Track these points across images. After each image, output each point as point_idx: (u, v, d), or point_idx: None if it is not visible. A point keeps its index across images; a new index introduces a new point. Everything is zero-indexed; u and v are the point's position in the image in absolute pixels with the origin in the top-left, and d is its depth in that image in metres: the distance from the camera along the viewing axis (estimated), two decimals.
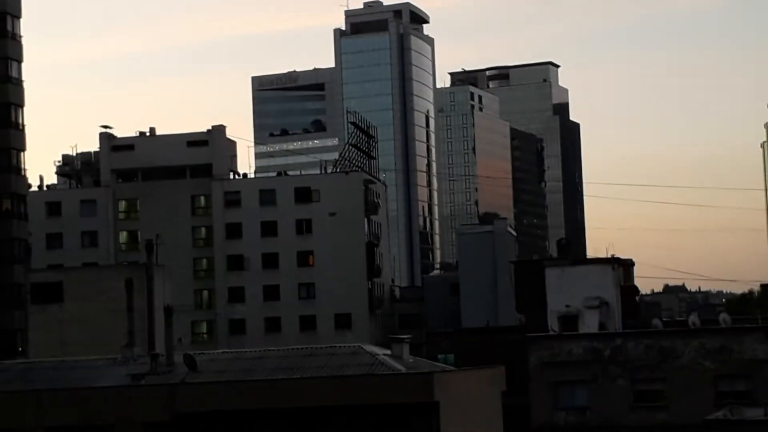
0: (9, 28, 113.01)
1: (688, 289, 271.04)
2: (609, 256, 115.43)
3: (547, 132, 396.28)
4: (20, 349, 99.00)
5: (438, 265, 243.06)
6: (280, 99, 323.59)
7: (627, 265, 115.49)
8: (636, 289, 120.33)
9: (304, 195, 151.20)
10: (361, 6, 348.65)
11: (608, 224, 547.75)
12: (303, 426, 54.57)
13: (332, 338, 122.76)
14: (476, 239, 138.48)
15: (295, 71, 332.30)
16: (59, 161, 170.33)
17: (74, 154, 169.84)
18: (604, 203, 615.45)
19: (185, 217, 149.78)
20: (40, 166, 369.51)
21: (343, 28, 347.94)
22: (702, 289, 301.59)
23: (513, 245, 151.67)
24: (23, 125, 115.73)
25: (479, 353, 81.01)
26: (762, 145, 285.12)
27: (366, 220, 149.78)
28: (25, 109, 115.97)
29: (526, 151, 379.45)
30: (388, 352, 67.18)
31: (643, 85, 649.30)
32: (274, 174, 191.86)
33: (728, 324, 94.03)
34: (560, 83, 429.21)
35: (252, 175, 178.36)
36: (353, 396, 55.58)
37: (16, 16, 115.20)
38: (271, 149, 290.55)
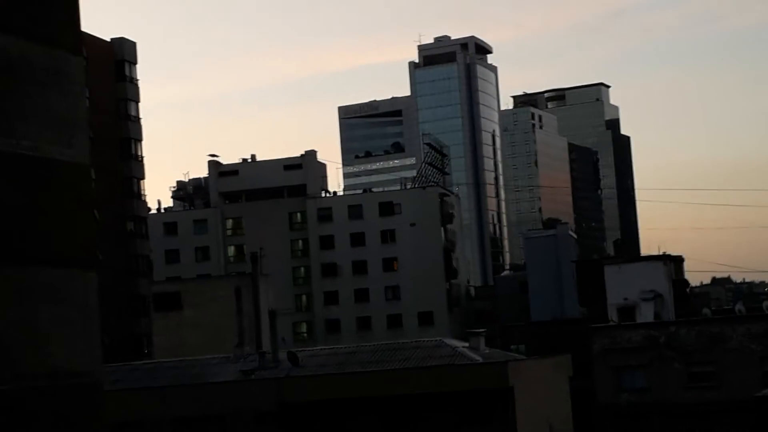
0: (127, 73, 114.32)
1: (734, 280, 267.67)
2: (660, 253, 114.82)
3: (601, 145, 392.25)
4: (146, 351, 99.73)
5: (508, 267, 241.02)
6: (363, 125, 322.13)
7: (677, 261, 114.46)
8: (686, 282, 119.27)
9: (387, 209, 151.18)
10: (432, 41, 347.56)
11: (659, 225, 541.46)
12: (393, 412, 54.92)
13: (416, 334, 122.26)
14: (541, 242, 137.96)
15: (375, 100, 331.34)
16: (174, 187, 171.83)
17: (186, 180, 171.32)
18: (655, 207, 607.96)
19: (284, 232, 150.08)
20: (157, 191, 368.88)
21: (417, 60, 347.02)
22: (746, 281, 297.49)
23: (574, 247, 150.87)
24: (142, 156, 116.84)
25: (547, 343, 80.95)
26: None
27: (442, 228, 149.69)
28: (143, 142, 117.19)
29: (582, 163, 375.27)
30: (467, 344, 67.47)
31: (685, 100, 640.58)
32: (361, 191, 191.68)
33: None
34: (611, 101, 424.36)
35: (341, 193, 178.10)
36: (436, 384, 55.94)
37: (133, 62, 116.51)
38: (357, 170, 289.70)
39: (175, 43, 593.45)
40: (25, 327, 15.94)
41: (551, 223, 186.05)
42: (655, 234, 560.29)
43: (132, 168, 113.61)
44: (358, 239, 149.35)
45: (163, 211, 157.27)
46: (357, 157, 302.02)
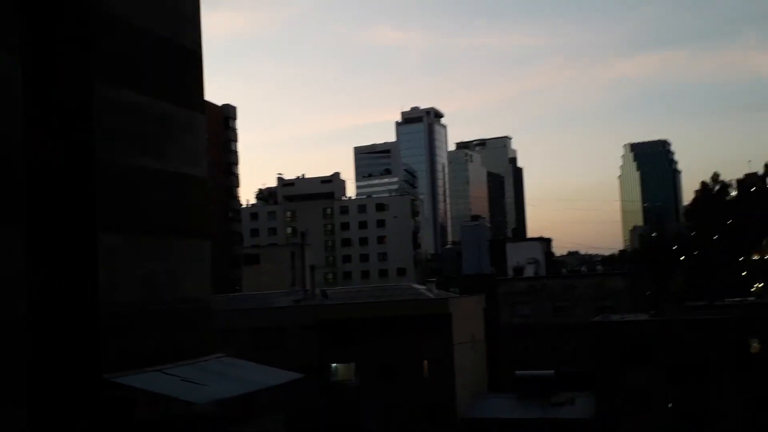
0: (230, 125, 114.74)
1: (581, 253, 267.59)
2: (538, 237, 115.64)
3: (506, 173, 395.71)
4: (237, 288, 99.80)
5: (450, 243, 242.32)
6: (368, 158, 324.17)
7: (548, 241, 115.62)
8: (552, 254, 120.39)
9: (381, 207, 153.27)
10: (409, 109, 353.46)
11: (538, 219, 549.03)
12: (381, 327, 55.01)
13: (396, 281, 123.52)
14: (469, 229, 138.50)
15: (375, 144, 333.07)
16: (257, 192, 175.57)
17: (264, 188, 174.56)
18: (536, 210, 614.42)
19: (320, 220, 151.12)
20: (247, 195, 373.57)
21: (400, 120, 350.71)
22: (589, 253, 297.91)
23: (488, 232, 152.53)
24: (238, 174, 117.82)
25: (471, 288, 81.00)
26: None
27: (412, 219, 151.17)
28: (238, 165, 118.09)
29: (495, 183, 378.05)
30: (425, 287, 67.60)
31: (558, 146, 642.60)
32: (365, 197, 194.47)
33: (601, 271, 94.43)
34: (513, 146, 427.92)
35: (354, 198, 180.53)
36: (407, 310, 56.12)
37: (234, 118, 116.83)
38: (363, 184, 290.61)
39: (257, 104, 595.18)
40: (172, 272, 16.19)
41: (475, 218, 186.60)
42: (535, 225, 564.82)
43: (232, 181, 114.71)
44: (363, 225, 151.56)
45: (249, 206, 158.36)
46: (363, 176, 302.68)
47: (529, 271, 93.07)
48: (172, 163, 25.43)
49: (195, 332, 25.01)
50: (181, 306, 25.12)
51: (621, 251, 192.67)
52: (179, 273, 24.83)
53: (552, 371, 60.34)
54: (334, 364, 56.26)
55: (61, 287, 22.84)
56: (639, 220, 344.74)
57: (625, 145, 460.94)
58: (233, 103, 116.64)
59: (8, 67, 20.75)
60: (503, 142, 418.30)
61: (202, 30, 29.36)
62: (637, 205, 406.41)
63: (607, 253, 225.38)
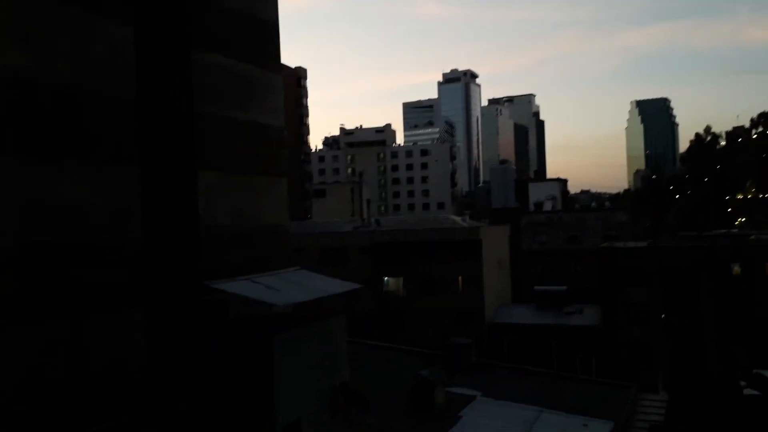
0: (302, 84, 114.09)
1: (592, 191, 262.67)
2: (556, 177, 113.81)
3: (530, 124, 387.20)
4: (309, 216, 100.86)
5: (482, 182, 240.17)
6: (414, 112, 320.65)
7: (564, 181, 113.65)
8: (567, 192, 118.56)
9: (425, 152, 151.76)
10: (449, 70, 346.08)
11: (557, 162, 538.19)
12: (423, 250, 55.30)
13: (436, 213, 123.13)
14: (498, 170, 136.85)
15: (420, 100, 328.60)
16: (323, 139, 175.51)
17: (329, 136, 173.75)
18: (555, 154, 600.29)
19: (374, 162, 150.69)
20: (316, 141, 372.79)
21: (441, 80, 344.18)
22: (599, 192, 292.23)
23: (514, 173, 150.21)
24: (308, 125, 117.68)
25: (499, 219, 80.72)
26: None
27: (450, 162, 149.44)
28: (309, 117, 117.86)
29: (520, 133, 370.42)
30: (460, 218, 67.52)
31: (572, 101, 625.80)
32: (412, 144, 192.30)
33: (608, 206, 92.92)
34: (536, 102, 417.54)
35: (402, 144, 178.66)
36: (445, 236, 56.23)
37: (304, 78, 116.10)
38: (410, 134, 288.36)
39: (324, 66, 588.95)
40: (255, 203, 16.51)
41: (503, 162, 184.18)
42: (553, 168, 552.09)
43: (303, 130, 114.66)
44: (410, 167, 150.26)
45: (318, 151, 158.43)
46: (410, 127, 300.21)
47: (547, 207, 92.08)
48: (254, 115, 25.66)
49: (275, 251, 25.58)
50: (264, 230, 25.67)
51: (625, 191, 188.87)
52: (261, 203, 25.30)
53: (564, 287, 60.31)
54: (385, 278, 56.96)
55: (170, 215, 23.52)
56: (641, 165, 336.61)
57: (631, 101, 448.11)
58: (304, 66, 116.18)
59: (125, 36, 21.06)
60: (528, 98, 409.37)
61: (278, 4, 29.19)
62: (641, 152, 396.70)
63: (614, 192, 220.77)
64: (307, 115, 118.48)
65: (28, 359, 17.39)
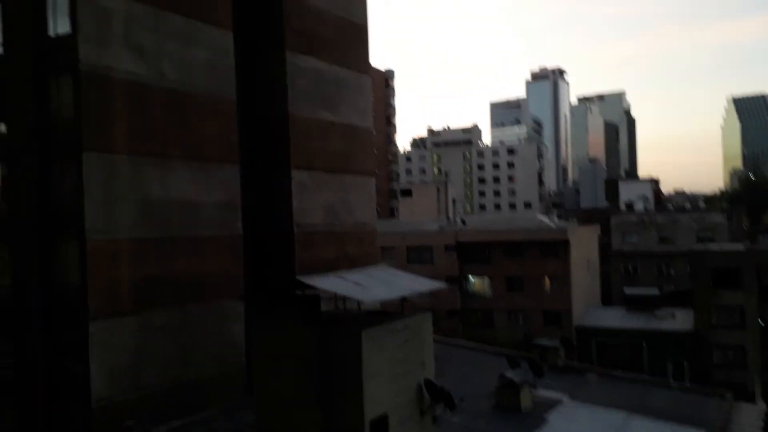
0: (390, 85, 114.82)
1: (686, 192, 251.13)
2: (648, 177, 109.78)
3: (620, 121, 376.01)
4: (395, 215, 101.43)
5: (571, 181, 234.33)
6: (501, 110, 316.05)
7: (656, 182, 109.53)
8: (660, 192, 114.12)
9: (511, 151, 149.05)
10: (537, 69, 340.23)
11: (649, 161, 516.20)
12: (511, 249, 54.62)
13: (523, 213, 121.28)
14: (587, 169, 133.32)
15: (509, 100, 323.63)
16: (411, 140, 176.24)
17: (417, 138, 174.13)
18: (646, 153, 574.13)
19: (460, 162, 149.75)
20: (403, 141, 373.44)
21: (529, 79, 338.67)
22: (693, 192, 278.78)
23: (604, 172, 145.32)
24: (395, 124, 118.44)
25: (588, 219, 78.58)
26: None
27: (538, 161, 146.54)
28: (396, 117, 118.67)
29: (610, 131, 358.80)
30: (547, 218, 66.26)
31: (663, 100, 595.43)
32: (499, 142, 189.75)
33: (703, 208, 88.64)
34: (627, 99, 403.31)
35: (489, 144, 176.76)
36: (532, 236, 55.36)
37: (392, 79, 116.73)
38: (498, 132, 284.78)
39: (414, 65, 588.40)
40: (345, 201, 17.08)
41: (593, 161, 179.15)
42: (645, 167, 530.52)
43: (391, 130, 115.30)
44: (496, 166, 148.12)
45: (405, 151, 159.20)
46: (497, 126, 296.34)
47: (639, 207, 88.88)
48: (345, 116, 26.27)
49: (363, 247, 26.14)
50: (352, 227, 26.27)
51: (721, 191, 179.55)
52: (351, 202, 25.91)
53: (656, 290, 58.10)
54: (471, 277, 56.70)
55: (267, 211, 24.45)
56: (738, 165, 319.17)
57: (728, 98, 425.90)
58: (392, 66, 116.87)
59: (225, 42, 22.11)
60: (619, 96, 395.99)
61: (368, 8, 29.70)
62: (737, 151, 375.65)
63: (708, 192, 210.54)
64: (394, 116, 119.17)
65: (140, 343, 18.65)
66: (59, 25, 18.52)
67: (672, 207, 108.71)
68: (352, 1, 28.32)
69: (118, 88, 18.80)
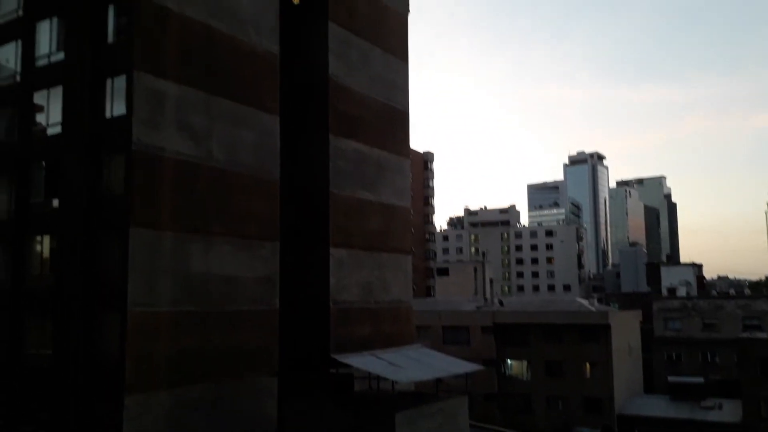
0: (429, 167, 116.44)
1: (730, 277, 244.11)
2: (690, 262, 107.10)
3: (661, 206, 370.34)
4: (432, 294, 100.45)
5: (610, 264, 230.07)
6: (539, 193, 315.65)
7: (699, 266, 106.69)
8: (703, 278, 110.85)
9: (550, 233, 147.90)
10: (575, 152, 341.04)
11: (694, 247, 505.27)
12: (549, 333, 53.32)
13: (562, 295, 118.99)
14: (627, 252, 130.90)
15: (546, 182, 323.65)
16: (448, 219, 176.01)
17: (454, 217, 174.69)
18: (687, 237, 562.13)
19: (497, 242, 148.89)
20: (440, 221, 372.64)
21: (567, 162, 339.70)
22: (737, 278, 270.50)
23: (644, 255, 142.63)
24: (434, 206, 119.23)
25: (629, 304, 76.57)
26: None
27: (577, 244, 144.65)
28: (434, 198, 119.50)
29: (650, 215, 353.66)
30: (587, 301, 64.79)
31: (703, 188, 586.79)
32: (537, 224, 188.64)
33: (748, 294, 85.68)
34: (667, 184, 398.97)
35: (527, 225, 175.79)
36: (572, 319, 54.01)
37: (431, 161, 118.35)
38: (536, 214, 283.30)
39: (453, 147, 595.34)
40: (382, 279, 17.02)
41: (633, 245, 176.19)
42: (687, 252, 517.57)
43: (429, 210, 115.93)
44: (534, 247, 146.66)
45: (442, 230, 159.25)
46: (535, 208, 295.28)
47: (681, 292, 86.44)
48: (384, 196, 26.60)
49: (399, 326, 25.86)
50: (388, 305, 26.10)
51: (767, 277, 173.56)
52: (388, 280, 25.84)
53: (701, 379, 55.58)
54: (508, 360, 55.23)
55: (305, 288, 24.51)
56: None
57: None
58: (429, 146, 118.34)
59: (271, 125, 22.86)
60: (658, 180, 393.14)
61: (410, 94, 30.55)
62: None
63: (754, 278, 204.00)
64: (432, 197, 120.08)
65: (173, 418, 18.47)
66: (115, 107, 19.42)
67: (716, 293, 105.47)
68: (394, 87, 29.21)
69: (167, 167, 19.46)
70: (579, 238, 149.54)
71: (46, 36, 21.41)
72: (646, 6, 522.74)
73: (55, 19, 21.20)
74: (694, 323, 73.28)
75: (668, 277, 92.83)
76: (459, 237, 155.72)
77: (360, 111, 26.99)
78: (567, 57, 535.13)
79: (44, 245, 20.69)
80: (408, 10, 31.02)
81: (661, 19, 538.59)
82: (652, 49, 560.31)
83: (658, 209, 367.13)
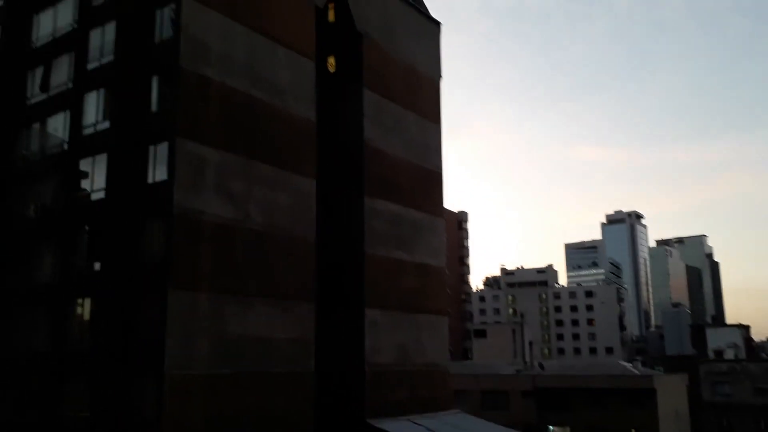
0: (463, 226, 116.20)
1: None
2: (737, 323, 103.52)
3: (703, 265, 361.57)
4: (469, 356, 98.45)
5: (653, 326, 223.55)
6: (576, 252, 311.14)
7: (746, 327, 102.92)
8: (751, 340, 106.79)
9: (589, 294, 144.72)
10: (612, 212, 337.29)
11: (741, 308, 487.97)
12: (592, 397, 51.62)
13: (604, 358, 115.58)
14: (671, 314, 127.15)
15: (584, 241, 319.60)
16: (484, 279, 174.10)
17: (490, 276, 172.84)
18: (733, 297, 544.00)
19: (536, 303, 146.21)
20: (477, 281, 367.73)
21: (604, 221, 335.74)
22: None
23: (688, 317, 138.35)
24: (469, 265, 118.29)
25: (674, 367, 73.86)
26: None
27: (618, 305, 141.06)
28: (469, 258, 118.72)
29: (693, 275, 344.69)
30: (631, 365, 62.78)
31: (745, 247, 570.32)
32: (576, 284, 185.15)
33: None
34: (709, 243, 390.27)
35: (566, 285, 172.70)
36: (615, 383, 52.27)
37: (466, 221, 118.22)
38: (574, 274, 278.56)
39: (486, 207, 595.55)
40: (418, 341, 16.82)
41: (676, 305, 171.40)
42: (733, 313, 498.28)
43: (464, 270, 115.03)
44: (574, 308, 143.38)
45: (479, 290, 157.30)
46: (573, 268, 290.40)
47: (728, 355, 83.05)
48: (419, 256, 26.53)
49: (435, 390, 25.30)
50: (424, 368, 25.63)
51: None
52: (424, 341, 25.47)
53: None
54: (550, 426, 53.36)
55: (338, 348, 24.28)
56: None
57: None
58: (464, 206, 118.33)
59: (308, 188, 23.22)
60: (699, 239, 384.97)
61: (443, 155, 30.84)
62: None
63: None
64: (468, 256, 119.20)
65: None
66: (158, 173, 19.98)
67: (765, 356, 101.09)
68: (427, 149, 29.56)
69: (205, 230, 19.81)
70: (620, 299, 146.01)
71: (93, 106, 22.37)
72: (684, 64, 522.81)
73: (102, 90, 22.18)
74: (744, 387, 70.12)
75: (714, 340, 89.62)
76: (496, 297, 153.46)
77: (394, 173, 27.29)
78: (603, 117, 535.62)
79: (85, 308, 21.03)
80: (440, 76, 31.64)
81: (700, 76, 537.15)
82: (688, 108, 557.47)
83: (700, 269, 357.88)
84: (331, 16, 27.45)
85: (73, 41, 23.48)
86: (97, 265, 20.92)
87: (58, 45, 24.10)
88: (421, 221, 27.12)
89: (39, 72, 24.55)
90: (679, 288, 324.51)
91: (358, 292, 24.58)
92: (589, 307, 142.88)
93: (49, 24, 24.79)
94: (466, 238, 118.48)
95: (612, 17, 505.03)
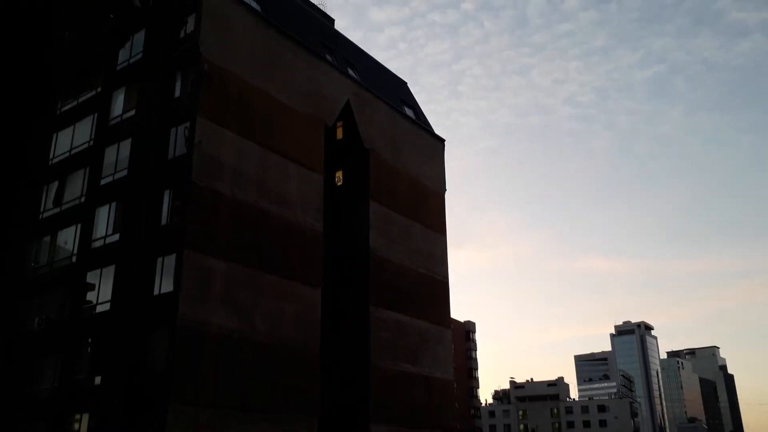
0: (470, 337, 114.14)
1: None
2: None
3: (717, 378, 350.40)
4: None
5: None
6: (587, 365, 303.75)
7: None
8: None
9: (602, 408, 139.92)
10: (621, 323, 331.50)
11: (760, 421, 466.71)
12: None
13: None
14: (690, 429, 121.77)
15: (593, 353, 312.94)
16: (493, 393, 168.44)
17: (499, 390, 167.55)
18: (751, 409, 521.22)
19: (548, 418, 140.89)
20: (485, 394, 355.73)
21: (614, 332, 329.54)
22: None
23: None
24: (477, 378, 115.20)
25: None
26: None
27: (632, 420, 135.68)
28: (478, 371, 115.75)
29: (707, 388, 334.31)
30: None
31: (757, 363, 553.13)
32: (587, 398, 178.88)
33: None
34: (721, 354, 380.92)
35: (577, 399, 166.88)
36: None
37: (473, 332, 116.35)
38: (585, 387, 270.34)
39: (493, 319, 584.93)
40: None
41: (692, 420, 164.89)
42: (752, 426, 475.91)
43: (472, 383, 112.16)
44: (586, 423, 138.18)
45: (488, 404, 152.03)
46: (584, 381, 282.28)
47: None
48: (425, 368, 25.81)
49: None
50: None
51: None
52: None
53: None
54: None
55: None
56: None
57: None
58: (472, 319, 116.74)
59: (314, 297, 23.02)
60: (712, 351, 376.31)
61: (449, 266, 30.75)
62: None
63: None
64: (476, 368, 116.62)
65: None
66: (164, 284, 19.85)
67: None
68: (433, 259, 29.55)
69: (210, 341, 19.44)
70: (634, 414, 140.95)
71: (104, 219, 22.62)
72: (689, 177, 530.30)
73: (113, 204, 22.49)
74: None
75: None
76: (506, 412, 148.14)
77: (400, 282, 27.14)
78: (609, 228, 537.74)
79: (83, 424, 20.27)
80: (445, 189, 32.20)
81: (708, 187, 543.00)
82: (697, 218, 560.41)
83: (714, 382, 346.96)
84: (339, 133, 28.37)
85: (89, 157, 24.13)
86: (97, 379, 20.35)
87: (74, 161, 24.75)
88: (428, 331, 26.62)
89: (54, 187, 25.06)
90: (693, 401, 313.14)
91: (365, 406, 23.75)
92: (603, 423, 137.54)
93: (67, 141, 25.60)
94: (474, 349, 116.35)
95: (614, 133, 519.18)
